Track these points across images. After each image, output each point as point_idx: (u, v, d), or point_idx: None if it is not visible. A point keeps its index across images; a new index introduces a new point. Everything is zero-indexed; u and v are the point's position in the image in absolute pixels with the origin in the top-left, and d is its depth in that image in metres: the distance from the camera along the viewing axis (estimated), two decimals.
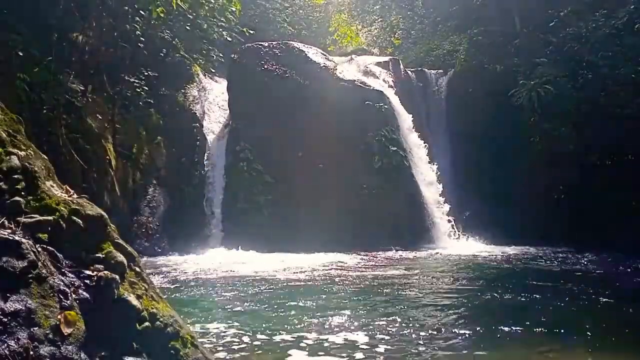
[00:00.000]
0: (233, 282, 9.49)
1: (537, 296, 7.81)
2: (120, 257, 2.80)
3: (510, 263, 11.70)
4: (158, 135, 15.97)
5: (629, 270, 10.31)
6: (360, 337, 5.74)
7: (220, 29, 18.80)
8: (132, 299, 2.73)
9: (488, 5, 20.92)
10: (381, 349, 5.31)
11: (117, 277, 2.68)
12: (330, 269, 10.91)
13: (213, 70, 19.96)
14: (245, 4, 19.97)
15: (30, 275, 2.30)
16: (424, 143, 17.13)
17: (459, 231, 15.90)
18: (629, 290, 8.65)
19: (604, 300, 7.79)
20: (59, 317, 2.32)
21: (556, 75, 16.57)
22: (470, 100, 18.19)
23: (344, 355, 5.12)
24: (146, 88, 15.54)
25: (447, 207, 16.15)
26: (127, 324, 2.68)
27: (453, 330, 6.07)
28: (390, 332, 5.97)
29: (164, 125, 16.20)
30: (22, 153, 2.84)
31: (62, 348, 2.26)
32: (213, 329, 6.10)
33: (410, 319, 6.67)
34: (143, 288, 2.90)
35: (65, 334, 2.31)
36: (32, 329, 2.20)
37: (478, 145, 17.42)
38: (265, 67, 16.68)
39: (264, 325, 6.31)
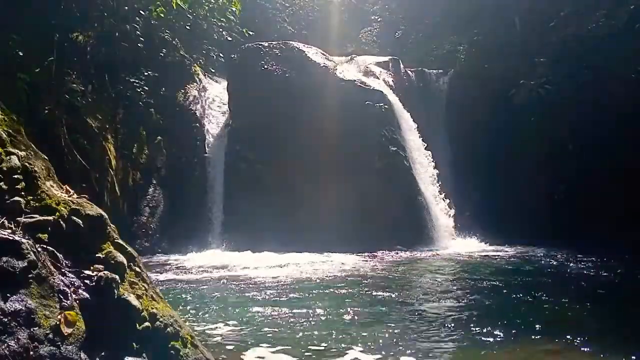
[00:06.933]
0: (233, 282, 9.49)
1: (537, 296, 7.81)
2: (120, 257, 2.80)
3: (509, 263, 11.69)
4: (158, 135, 15.97)
5: (629, 270, 10.30)
6: (359, 337, 5.74)
7: (220, 29, 18.80)
8: (132, 299, 2.73)
9: (488, 5, 20.91)
10: (380, 349, 5.31)
11: (117, 277, 2.68)
12: (331, 269, 10.91)
13: (213, 70, 19.97)
14: (245, 4, 19.96)
15: (30, 275, 2.31)
16: (424, 143, 17.12)
17: (458, 231, 15.89)
18: (629, 291, 8.64)
19: (604, 300, 7.79)
20: (59, 317, 2.32)
21: (556, 75, 16.56)
22: (470, 100, 18.18)
23: (343, 355, 5.12)
24: (146, 88, 15.55)
25: (447, 207, 16.14)
26: (127, 324, 2.68)
27: (452, 330, 6.07)
28: (389, 332, 5.97)
29: (164, 125, 16.20)
30: (22, 153, 2.84)
31: (62, 348, 2.26)
32: (213, 329, 6.10)
33: (410, 319, 6.67)
34: (143, 288, 2.90)
35: (65, 334, 2.31)
36: (32, 329, 2.20)
37: (478, 145, 17.41)
38: (265, 67, 16.67)
39: (264, 326, 6.32)
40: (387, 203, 15.20)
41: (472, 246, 14.79)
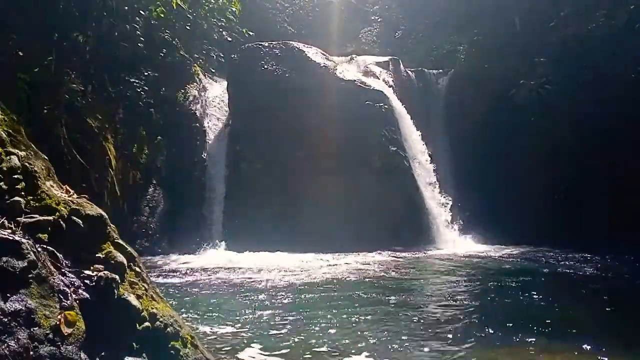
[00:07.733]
0: (233, 282, 9.49)
1: (537, 296, 7.81)
2: (120, 257, 2.80)
3: (509, 263, 11.70)
4: (158, 135, 15.96)
5: (629, 270, 10.31)
6: (359, 338, 5.73)
7: (220, 29, 18.79)
8: (132, 299, 2.73)
9: (488, 5, 20.91)
10: (380, 350, 5.31)
11: (117, 277, 2.68)
12: (330, 270, 10.91)
13: (213, 70, 19.95)
14: (245, 4, 19.95)
15: (30, 275, 2.30)
16: (424, 143, 17.12)
17: (458, 231, 15.89)
18: (629, 291, 8.65)
19: (604, 300, 7.79)
20: (59, 317, 2.32)
21: (556, 75, 16.56)
22: (470, 100, 18.18)
23: (344, 357, 5.12)
24: (146, 88, 15.53)
25: (447, 207, 16.14)
26: (127, 324, 2.68)
27: (453, 331, 6.07)
28: (390, 334, 5.97)
29: (164, 125, 16.20)
30: (22, 153, 2.84)
31: (62, 348, 2.26)
32: (213, 329, 6.10)
33: (410, 319, 6.67)
34: (143, 288, 2.90)
35: (65, 334, 2.31)
36: (32, 329, 2.20)
37: (478, 145, 17.40)
38: (265, 67, 16.67)
39: (264, 326, 6.31)
40: (387, 203, 15.20)
41: (472, 246, 14.79)
